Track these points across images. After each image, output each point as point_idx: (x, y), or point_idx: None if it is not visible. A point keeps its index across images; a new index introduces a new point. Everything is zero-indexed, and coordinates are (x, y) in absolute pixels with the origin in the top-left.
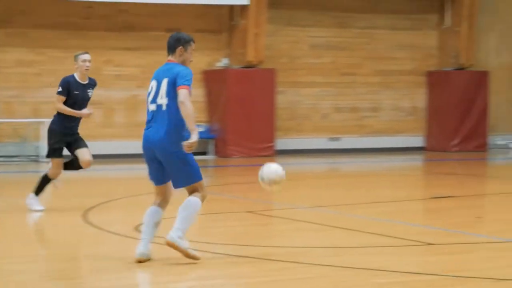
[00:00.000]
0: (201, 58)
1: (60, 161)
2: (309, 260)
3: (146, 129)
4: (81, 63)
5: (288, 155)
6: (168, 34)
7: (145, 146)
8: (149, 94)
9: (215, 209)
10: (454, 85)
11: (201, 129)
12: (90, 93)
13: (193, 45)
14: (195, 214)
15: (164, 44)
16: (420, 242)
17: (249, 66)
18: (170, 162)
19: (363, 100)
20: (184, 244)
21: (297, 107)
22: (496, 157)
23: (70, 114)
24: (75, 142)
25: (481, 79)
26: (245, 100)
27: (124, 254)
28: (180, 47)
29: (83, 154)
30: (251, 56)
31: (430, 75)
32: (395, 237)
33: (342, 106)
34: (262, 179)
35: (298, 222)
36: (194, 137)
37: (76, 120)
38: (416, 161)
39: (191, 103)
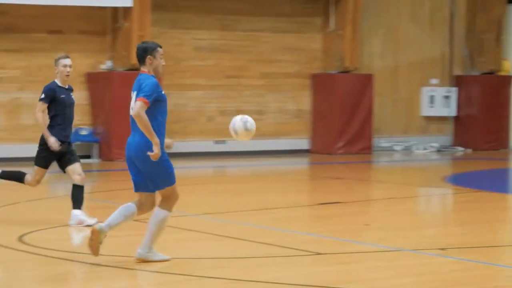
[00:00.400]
0: (84, 60)
1: (44, 172)
2: (197, 272)
3: (129, 138)
4: (61, 68)
5: (173, 158)
6: (50, 36)
7: (126, 154)
8: None
9: (99, 217)
10: (339, 88)
11: (84, 132)
12: (73, 97)
13: (160, 51)
14: (163, 228)
15: (47, 46)
16: (309, 251)
17: (133, 68)
18: (145, 168)
19: (248, 103)
20: (154, 256)
21: (183, 110)
22: (380, 160)
23: (42, 129)
24: (67, 156)
25: (365, 82)
26: (129, 103)
27: (7, 266)
28: (149, 56)
29: (74, 170)
30: (135, 59)
31: (315, 78)
32: (284, 247)
33: (227, 108)
34: (236, 132)
35: (185, 231)
36: (154, 149)
37: (67, 128)
38: (302, 164)
39: (145, 115)
